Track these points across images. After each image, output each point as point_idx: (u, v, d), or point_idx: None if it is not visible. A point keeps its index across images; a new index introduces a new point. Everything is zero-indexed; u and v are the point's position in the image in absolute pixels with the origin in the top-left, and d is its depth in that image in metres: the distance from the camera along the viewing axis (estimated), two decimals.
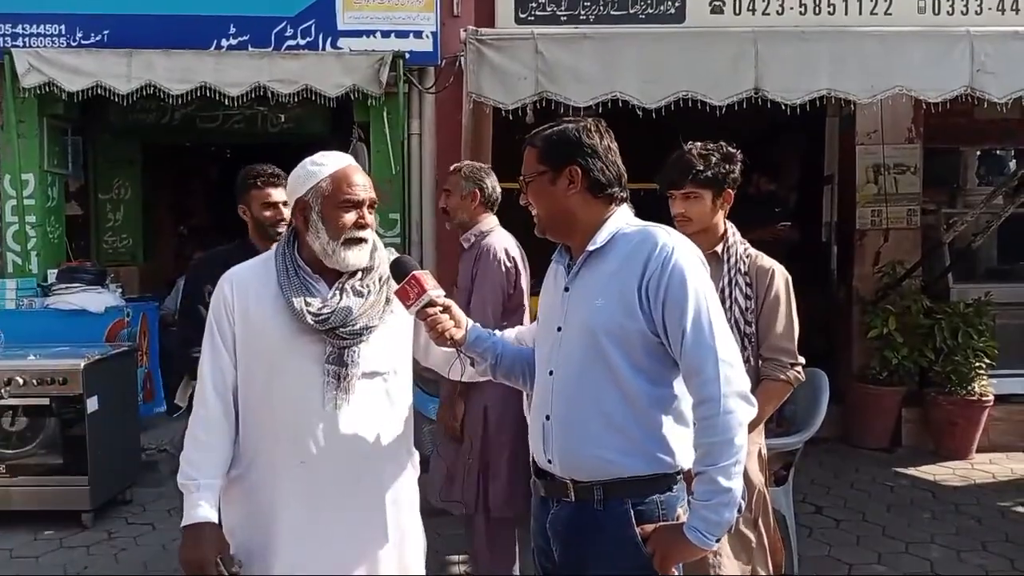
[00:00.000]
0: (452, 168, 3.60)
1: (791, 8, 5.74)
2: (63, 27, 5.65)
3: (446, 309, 1.98)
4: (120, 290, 6.02)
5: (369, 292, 2.03)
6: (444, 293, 2.00)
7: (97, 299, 5.63)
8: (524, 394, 3.20)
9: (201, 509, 1.93)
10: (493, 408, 3.41)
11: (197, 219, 9.05)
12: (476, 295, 3.34)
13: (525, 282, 3.49)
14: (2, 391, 4.44)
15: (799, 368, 2.70)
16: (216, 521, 1.95)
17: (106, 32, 5.65)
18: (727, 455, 1.71)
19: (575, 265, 1.92)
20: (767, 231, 6.28)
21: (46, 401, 4.51)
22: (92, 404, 4.57)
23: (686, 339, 1.75)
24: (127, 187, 7.47)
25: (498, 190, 3.54)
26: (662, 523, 1.82)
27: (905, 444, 6.02)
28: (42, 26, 5.64)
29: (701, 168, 2.68)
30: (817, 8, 5.73)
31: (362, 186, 2.03)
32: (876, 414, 6.04)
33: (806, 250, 6.93)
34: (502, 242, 3.45)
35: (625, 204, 1.95)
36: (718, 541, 1.74)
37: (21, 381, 4.47)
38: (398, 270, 1.99)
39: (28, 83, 5.33)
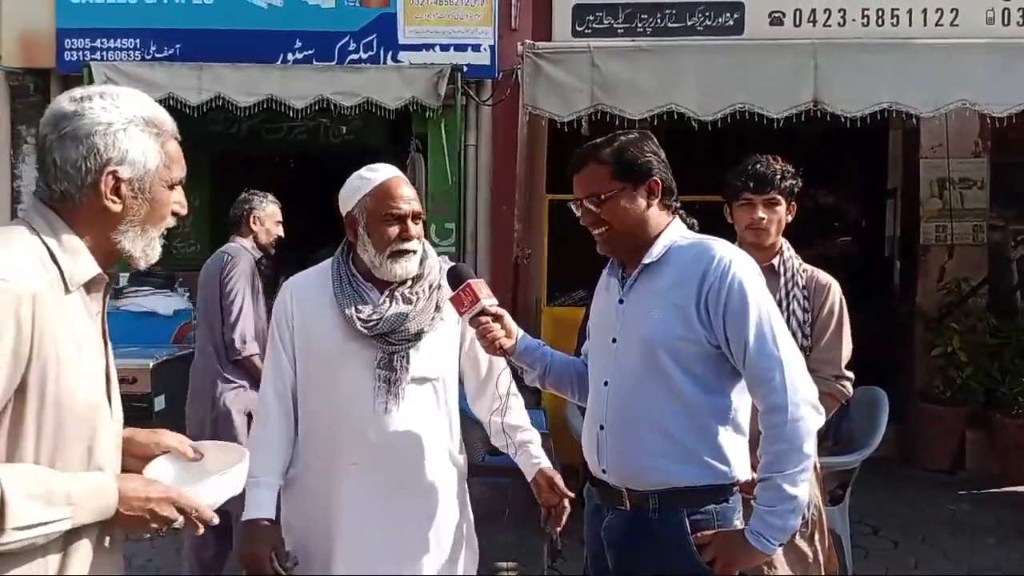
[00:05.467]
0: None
1: (853, 19, 5.65)
2: (138, 41, 5.91)
3: (498, 318, 2.01)
4: (188, 294, 6.25)
5: (418, 299, 2.09)
6: (497, 302, 2.03)
7: (166, 302, 5.87)
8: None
9: (260, 506, 2.01)
10: None
11: None
12: None
13: None
14: None
15: (845, 383, 2.66)
16: (273, 518, 2.02)
17: (178, 46, 5.89)
18: (794, 463, 1.74)
19: (629, 278, 1.94)
20: (826, 245, 6.19)
21: None
22: (159, 403, 4.76)
23: (749, 349, 1.77)
24: (196, 195, 7.74)
25: None
26: (720, 529, 1.84)
27: (969, 467, 5.83)
28: (118, 40, 5.91)
29: (783, 176, 2.69)
30: (880, 20, 5.63)
31: (405, 199, 2.07)
32: (938, 434, 5.87)
33: (868, 265, 6.79)
34: None
35: (678, 217, 1.99)
36: (780, 545, 1.77)
37: None
38: (454, 277, 2.03)
39: None
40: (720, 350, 1.83)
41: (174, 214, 1.50)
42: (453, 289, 2.01)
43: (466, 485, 2.25)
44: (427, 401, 2.10)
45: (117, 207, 1.40)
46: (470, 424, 3.93)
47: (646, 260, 1.90)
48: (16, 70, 5.95)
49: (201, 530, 1.44)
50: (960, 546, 4.50)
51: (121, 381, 4.57)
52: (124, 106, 1.40)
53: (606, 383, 1.93)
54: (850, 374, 2.69)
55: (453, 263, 2.13)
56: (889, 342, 6.42)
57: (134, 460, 1.52)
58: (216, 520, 1.44)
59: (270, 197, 4.01)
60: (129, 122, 1.39)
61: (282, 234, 4.05)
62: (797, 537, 2.66)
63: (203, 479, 1.49)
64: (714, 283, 1.80)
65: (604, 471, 1.93)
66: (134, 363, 4.76)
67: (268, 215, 3.95)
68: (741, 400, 1.88)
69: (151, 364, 4.75)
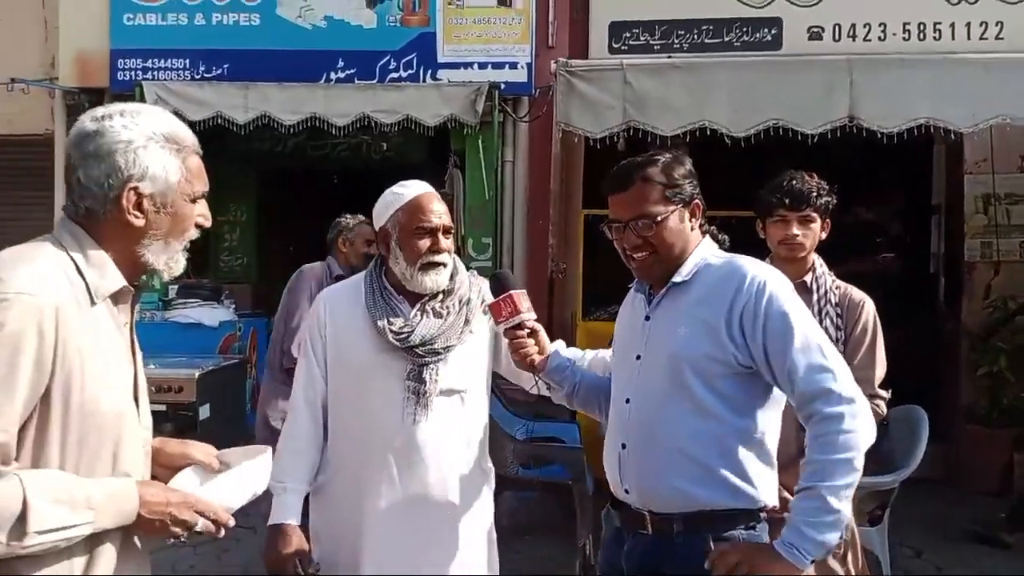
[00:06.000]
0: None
1: (894, 34, 5.59)
2: (188, 61, 6.13)
3: (533, 333, 2.01)
4: (233, 306, 6.42)
5: (448, 313, 2.14)
6: (535, 316, 2.03)
7: (212, 314, 6.05)
8: None
9: (286, 511, 2.08)
10: None
11: (306, 240, 9.47)
12: None
13: None
14: None
15: (879, 402, 2.62)
16: (298, 523, 2.08)
17: (226, 66, 6.09)
18: (841, 475, 1.66)
19: (657, 295, 1.91)
20: (866, 262, 6.11)
21: (163, 407, 4.82)
22: (204, 412, 4.89)
23: (798, 366, 1.72)
24: (243, 210, 7.95)
25: None
26: (744, 542, 1.76)
27: (1016, 489, 5.65)
28: (169, 60, 6.14)
29: (818, 193, 2.69)
30: (922, 34, 5.56)
31: (436, 213, 2.13)
32: (984, 456, 5.71)
33: (913, 282, 6.67)
34: None
35: (708, 235, 1.97)
36: (813, 563, 1.67)
37: None
38: (497, 285, 2.04)
39: None
40: (749, 370, 1.77)
41: (198, 226, 1.54)
42: (495, 296, 2.02)
43: (492, 496, 2.28)
44: (455, 413, 2.14)
45: (140, 222, 1.45)
46: (503, 438, 3.99)
47: (676, 279, 1.86)
48: (72, 89, 6.23)
49: (222, 533, 1.48)
50: (1005, 571, 4.37)
51: (167, 390, 4.77)
52: (143, 123, 1.45)
53: (628, 400, 1.89)
54: (884, 393, 2.66)
55: (498, 270, 2.15)
56: (934, 361, 6.29)
57: (163, 470, 1.56)
58: (232, 523, 1.48)
59: (360, 218, 4.18)
60: (149, 139, 1.44)
61: (373, 252, 4.20)
62: (829, 557, 2.64)
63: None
64: (748, 302, 1.76)
65: (626, 492, 1.88)
66: (180, 373, 4.90)
67: (356, 235, 4.15)
68: (768, 423, 1.83)
69: (197, 374, 4.89)
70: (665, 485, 1.81)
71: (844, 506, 1.66)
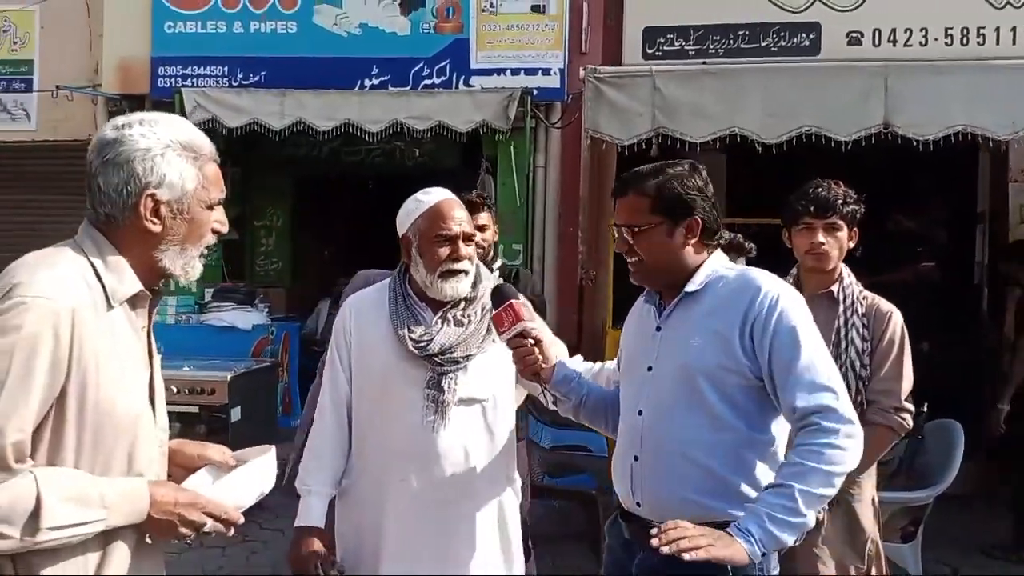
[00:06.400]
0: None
1: (935, 39, 5.45)
2: (226, 69, 6.26)
3: (537, 343, 1.99)
4: (267, 310, 6.51)
5: (470, 322, 2.13)
6: (538, 327, 2.02)
7: (246, 317, 6.13)
8: None
9: (310, 513, 2.10)
10: None
11: (340, 245, 9.57)
12: None
13: None
14: None
15: (905, 415, 2.58)
16: (321, 526, 2.10)
17: (263, 73, 6.20)
18: (819, 484, 1.65)
19: (668, 306, 1.90)
20: (906, 272, 5.97)
21: (195, 409, 4.91)
22: (235, 414, 4.95)
23: (801, 382, 1.71)
24: (279, 215, 8.07)
25: None
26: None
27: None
28: (208, 68, 6.27)
29: (844, 201, 2.66)
30: (964, 39, 5.42)
31: (456, 220, 2.12)
32: None
33: (956, 292, 6.51)
34: None
35: (719, 250, 1.95)
36: (763, 556, 1.64)
37: (175, 390, 4.88)
38: (498, 296, 2.04)
39: (194, 120, 5.88)
40: (762, 382, 1.78)
41: (215, 232, 1.57)
42: (496, 308, 2.02)
43: (517, 505, 2.27)
44: (475, 421, 2.13)
45: (157, 228, 1.48)
46: (530, 446, 3.98)
47: (689, 288, 1.86)
48: (114, 96, 6.39)
49: (231, 532, 1.50)
50: None
51: (200, 392, 4.84)
52: (161, 132, 1.48)
53: (640, 412, 1.88)
54: (910, 406, 2.62)
55: (500, 284, 2.16)
56: (976, 372, 6.12)
57: (180, 471, 1.60)
58: (242, 520, 1.51)
59: None
60: (166, 147, 1.48)
61: None
62: (852, 571, 2.59)
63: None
64: (760, 314, 1.76)
65: (639, 504, 1.87)
66: (213, 375, 4.98)
67: None
68: (781, 434, 1.83)
69: (229, 376, 4.96)
70: (679, 497, 1.80)
71: (810, 516, 1.66)
